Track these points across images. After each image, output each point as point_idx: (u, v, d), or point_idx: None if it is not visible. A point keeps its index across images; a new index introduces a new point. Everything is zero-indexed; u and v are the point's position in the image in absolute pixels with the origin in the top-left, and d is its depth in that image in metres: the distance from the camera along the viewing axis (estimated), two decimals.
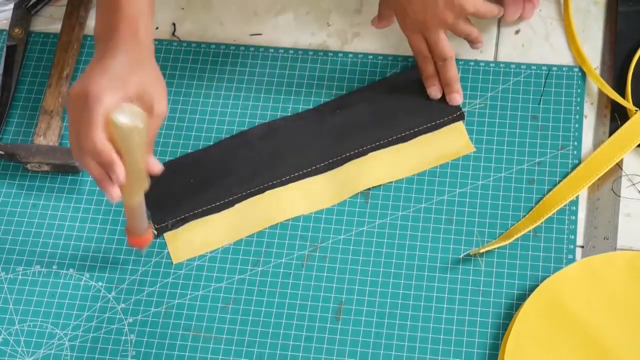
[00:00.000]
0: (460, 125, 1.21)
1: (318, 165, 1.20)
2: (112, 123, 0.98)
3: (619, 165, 1.16)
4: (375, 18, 1.23)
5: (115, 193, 1.01)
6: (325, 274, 1.14)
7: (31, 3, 1.34)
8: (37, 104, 1.27)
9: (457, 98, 1.20)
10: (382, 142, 1.20)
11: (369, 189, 1.18)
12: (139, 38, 1.05)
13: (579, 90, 1.21)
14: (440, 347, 1.09)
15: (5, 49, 1.30)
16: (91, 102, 0.98)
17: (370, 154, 1.20)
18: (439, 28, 1.17)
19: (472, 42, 1.21)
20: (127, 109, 0.99)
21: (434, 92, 1.21)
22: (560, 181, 1.16)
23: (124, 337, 1.12)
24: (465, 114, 1.21)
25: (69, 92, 1.02)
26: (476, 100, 1.22)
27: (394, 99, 1.22)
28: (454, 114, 1.20)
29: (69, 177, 1.22)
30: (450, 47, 1.18)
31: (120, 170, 0.99)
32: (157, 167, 1.04)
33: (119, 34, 1.04)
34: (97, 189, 1.21)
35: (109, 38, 1.04)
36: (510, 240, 1.12)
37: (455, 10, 1.16)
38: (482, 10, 1.18)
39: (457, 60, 1.23)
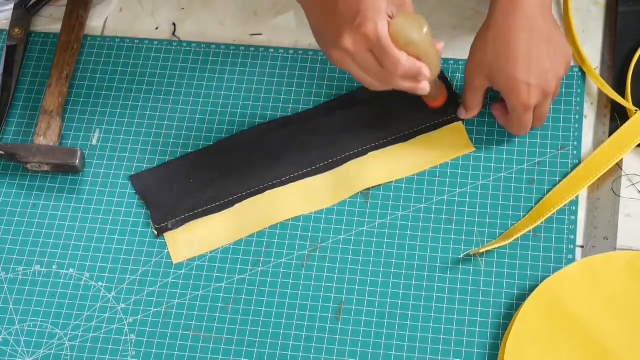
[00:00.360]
0: (460, 125, 1.21)
1: (318, 165, 1.20)
2: (405, 40, 1.05)
3: (618, 165, 1.16)
4: (462, 110, 1.20)
5: (427, 86, 1.09)
6: (325, 274, 1.14)
7: (31, 3, 1.34)
8: (37, 104, 1.27)
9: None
10: (382, 142, 1.20)
11: (369, 189, 1.18)
12: None
13: (578, 90, 1.21)
14: (440, 347, 1.09)
15: (5, 49, 1.30)
16: (376, 40, 1.03)
17: (370, 154, 1.20)
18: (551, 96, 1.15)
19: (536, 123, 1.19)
20: (404, 21, 1.05)
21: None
22: (560, 181, 1.16)
23: (124, 337, 1.12)
24: None
25: (341, 46, 1.04)
26: None
27: (393, 99, 1.22)
28: (453, 114, 1.20)
29: (69, 177, 1.22)
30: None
31: (426, 70, 1.07)
32: (441, 44, 1.10)
33: None
34: (97, 189, 1.21)
35: None
36: (510, 240, 1.12)
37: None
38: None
39: (457, 60, 1.23)
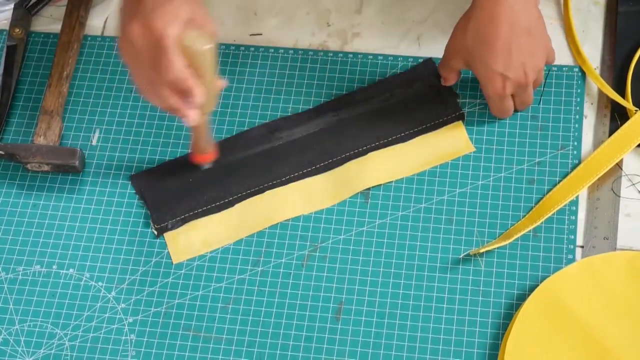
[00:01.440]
0: (460, 125, 1.21)
1: (318, 165, 1.20)
2: (189, 50, 1.03)
3: (618, 165, 1.16)
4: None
5: (196, 115, 1.07)
6: (325, 274, 1.14)
7: (31, 3, 1.34)
8: (37, 104, 1.27)
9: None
10: (382, 142, 1.20)
11: (369, 188, 1.18)
12: None
13: (579, 90, 1.21)
14: (440, 347, 1.09)
15: (5, 49, 1.30)
16: (160, 36, 1.02)
17: (370, 154, 1.20)
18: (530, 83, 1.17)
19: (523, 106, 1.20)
20: (196, 34, 1.04)
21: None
22: (560, 181, 1.16)
23: (124, 337, 1.12)
24: (465, 114, 1.21)
25: (128, 34, 1.04)
26: (476, 100, 1.22)
27: (393, 99, 1.22)
28: (453, 114, 1.20)
29: (69, 177, 1.22)
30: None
31: (199, 92, 1.05)
32: (224, 82, 1.10)
33: None
34: (97, 189, 1.21)
35: None
36: (510, 240, 1.12)
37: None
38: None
39: None
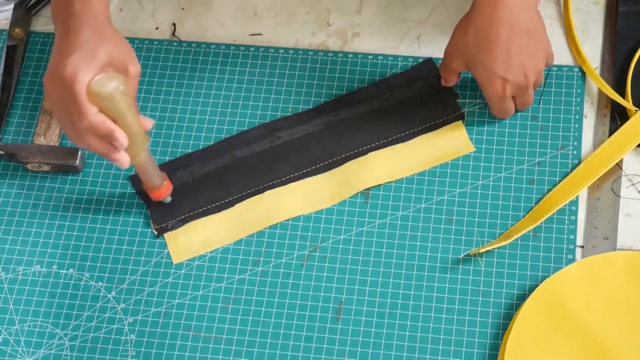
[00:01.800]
0: (460, 125, 1.21)
1: (318, 165, 1.20)
2: (96, 94, 1.03)
3: (618, 165, 1.16)
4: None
5: (125, 159, 1.07)
6: (325, 274, 1.14)
7: (31, 3, 1.34)
8: (37, 104, 1.27)
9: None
10: (382, 142, 1.20)
11: (369, 188, 1.18)
12: (96, 11, 1.08)
13: (579, 90, 1.21)
14: (440, 347, 1.09)
15: (5, 49, 1.30)
16: (70, 83, 1.02)
17: (370, 154, 1.20)
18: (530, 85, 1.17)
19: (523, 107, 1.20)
20: (105, 77, 1.04)
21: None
22: (560, 181, 1.16)
23: (124, 337, 1.12)
24: (465, 114, 1.21)
25: (43, 81, 1.06)
26: (476, 100, 1.22)
27: (393, 99, 1.22)
28: (453, 114, 1.20)
29: (69, 177, 1.22)
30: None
31: (121, 135, 1.05)
32: (150, 122, 1.09)
33: (75, 12, 1.07)
34: (97, 188, 1.21)
35: (66, 17, 1.07)
36: (510, 240, 1.12)
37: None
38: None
39: None
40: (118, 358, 1.11)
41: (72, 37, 1.06)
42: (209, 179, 1.20)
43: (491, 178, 1.17)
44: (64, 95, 1.04)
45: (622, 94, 1.19)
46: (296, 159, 1.20)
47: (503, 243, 1.12)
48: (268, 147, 1.21)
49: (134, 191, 1.20)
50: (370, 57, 1.26)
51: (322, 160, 1.20)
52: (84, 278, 1.16)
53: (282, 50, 1.28)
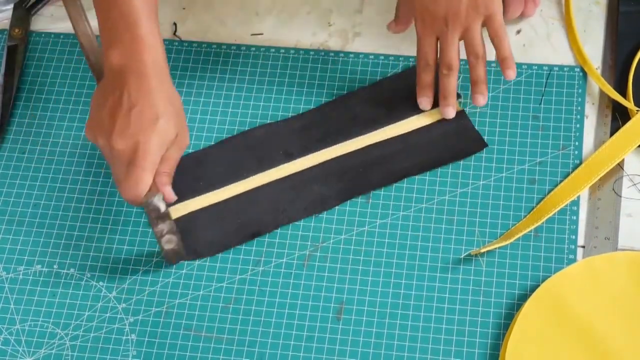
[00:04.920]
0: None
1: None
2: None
3: (620, 166, 1.16)
4: (393, 22, 1.21)
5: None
6: (326, 274, 1.14)
7: (31, 3, 1.34)
8: (38, 104, 1.27)
9: (450, 112, 1.19)
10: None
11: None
12: (164, 69, 1.08)
13: (580, 90, 1.21)
14: (441, 347, 1.09)
15: (5, 49, 1.30)
16: (144, 153, 1.05)
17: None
18: (457, 31, 1.14)
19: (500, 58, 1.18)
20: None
21: (425, 103, 1.19)
22: (561, 181, 1.16)
23: (125, 337, 1.12)
24: (467, 114, 1.21)
25: (111, 142, 1.06)
26: None
27: (395, 99, 1.22)
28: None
29: (70, 177, 1.22)
30: (459, 58, 1.16)
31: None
32: (172, 198, 1.11)
33: (146, 67, 1.06)
34: (98, 188, 1.21)
35: (132, 69, 1.06)
36: (511, 240, 1.12)
37: (479, 11, 1.13)
38: (510, 12, 1.18)
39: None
40: (119, 358, 1.11)
41: (144, 99, 1.06)
42: (209, 179, 1.20)
43: (492, 178, 1.17)
44: (127, 154, 1.05)
45: (624, 94, 1.19)
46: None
47: (504, 243, 1.12)
48: (269, 147, 1.21)
49: None
50: (372, 57, 1.26)
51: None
52: (85, 278, 1.16)
53: (283, 50, 1.28)
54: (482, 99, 1.17)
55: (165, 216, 1.09)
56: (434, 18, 1.14)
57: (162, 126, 1.06)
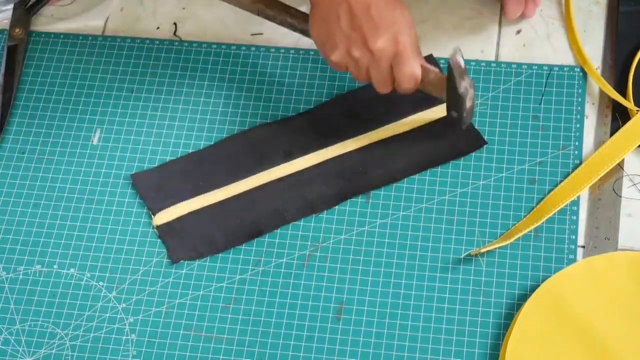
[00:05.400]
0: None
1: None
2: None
3: (620, 166, 1.16)
4: None
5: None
6: (326, 274, 1.14)
7: (31, 3, 1.34)
8: (38, 104, 1.27)
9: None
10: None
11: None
12: None
13: (580, 90, 1.21)
14: (442, 347, 1.09)
15: (6, 49, 1.30)
16: (407, 47, 1.10)
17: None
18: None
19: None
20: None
21: None
22: (561, 181, 1.16)
23: (125, 337, 1.12)
24: None
25: (375, 45, 1.09)
26: (477, 100, 1.22)
27: (393, 99, 1.22)
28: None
29: (69, 177, 1.22)
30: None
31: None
32: None
33: None
34: (98, 188, 1.21)
35: None
36: (511, 240, 1.12)
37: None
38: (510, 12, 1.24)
39: None
40: (119, 358, 1.11)
41: None
42: (209, 179, 1.20)
43: (492, 178, 1.17)
44: (389, 40, 1.08)
45: (624, 94, 1.19)
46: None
47: (504, 243, 1.12)
48: (269, 147, 1.21)
49: (135, 191, 1.20)
50: None
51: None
52: (85, 278, 1.16)
53: (282, 50, 1.28)
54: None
55: (465, 72, 1.11)
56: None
57: (401, 10, 1.09)
